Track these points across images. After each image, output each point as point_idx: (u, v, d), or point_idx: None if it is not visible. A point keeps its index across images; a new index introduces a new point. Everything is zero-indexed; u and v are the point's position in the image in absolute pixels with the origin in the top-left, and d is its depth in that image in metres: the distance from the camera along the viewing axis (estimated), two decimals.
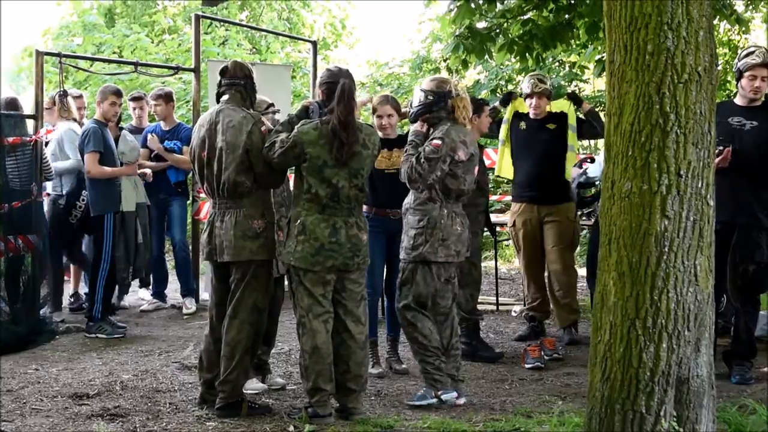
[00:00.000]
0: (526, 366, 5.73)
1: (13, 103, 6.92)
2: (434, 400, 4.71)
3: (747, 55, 5.37)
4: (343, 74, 4.50)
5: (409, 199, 4.91)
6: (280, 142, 4.41)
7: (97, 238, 6.63)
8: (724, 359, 5.46)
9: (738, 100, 5.53)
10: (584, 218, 6.91)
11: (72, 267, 7.84)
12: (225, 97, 4.66)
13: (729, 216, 5.17)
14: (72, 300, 7.74)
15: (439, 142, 4.75)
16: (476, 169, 5.02)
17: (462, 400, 4.81)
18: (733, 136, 5.33)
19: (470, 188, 4.96)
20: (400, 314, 4.87)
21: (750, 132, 5.33)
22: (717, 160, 5.02)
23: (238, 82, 4.65)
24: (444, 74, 15.52)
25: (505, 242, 10.38)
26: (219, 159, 4.51)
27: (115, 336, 6.55)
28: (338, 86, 4.41)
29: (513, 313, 7.65)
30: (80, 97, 7.97)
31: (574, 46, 9.07)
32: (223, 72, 4.71)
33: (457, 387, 4.87)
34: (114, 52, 14.54)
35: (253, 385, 4.92)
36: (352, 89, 4.44)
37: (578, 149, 6.67)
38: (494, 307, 7.88)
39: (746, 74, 5.35)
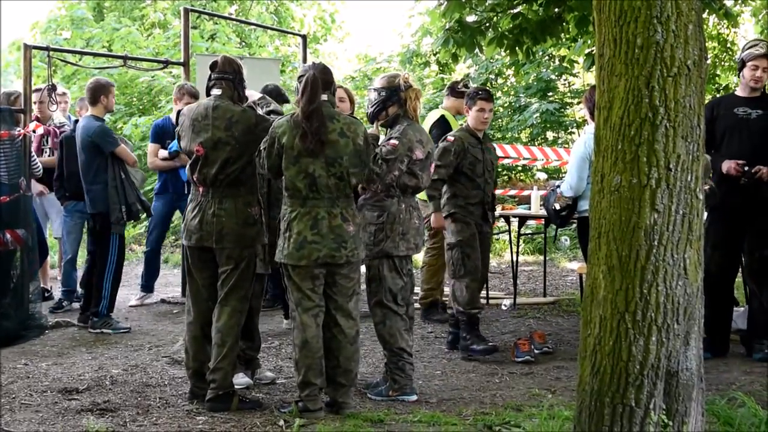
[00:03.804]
0: (517, 360, 5.74)
1: (7, 97, 6.86)
2: (387, 398, 4.79)
3: (751, 47, 5.76)
4: (311, 67, 4.53)
5: (364, 195, 4.92)
6: (264, 148, 4.45)
7: (103, 235, 6.61)
8: (743, 342, 5.83)
9: (740, 92, 5.89)
10: None
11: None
12: (217, 92, 4.67)
13: (742, 203, 5.60)
14: (46, 295, 7.69)
15: (396, 142, 4.78)
16: (432, 165, 5.06)
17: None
18: (741, 125, 5.67)
19: (426, 185, 5.04)
20: (372, 311, 4.90)
21: (757, 120, 5.68)
22: (733, 167, 5.53)
23: (227, 76, 4.68)
24: (434, 68, 15.58)
25: (495, 236, 10.40)
26: (223, 152, 4.53)
27: (121, 330, 6.56)
28: (303, 78, 4.45)
29: (503, 307, 7.67)
30: (64, 94, 7.88)
31: (563, 40, 9.08)
32: (213, 66, 4.73)
33: None
34: (104, 47, 14.47)
35: (238, 380, 4.90)
36: (316, 80, 4.42)
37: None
38: (484, 301, 7.87)
39: (749, 64, 5.72)
